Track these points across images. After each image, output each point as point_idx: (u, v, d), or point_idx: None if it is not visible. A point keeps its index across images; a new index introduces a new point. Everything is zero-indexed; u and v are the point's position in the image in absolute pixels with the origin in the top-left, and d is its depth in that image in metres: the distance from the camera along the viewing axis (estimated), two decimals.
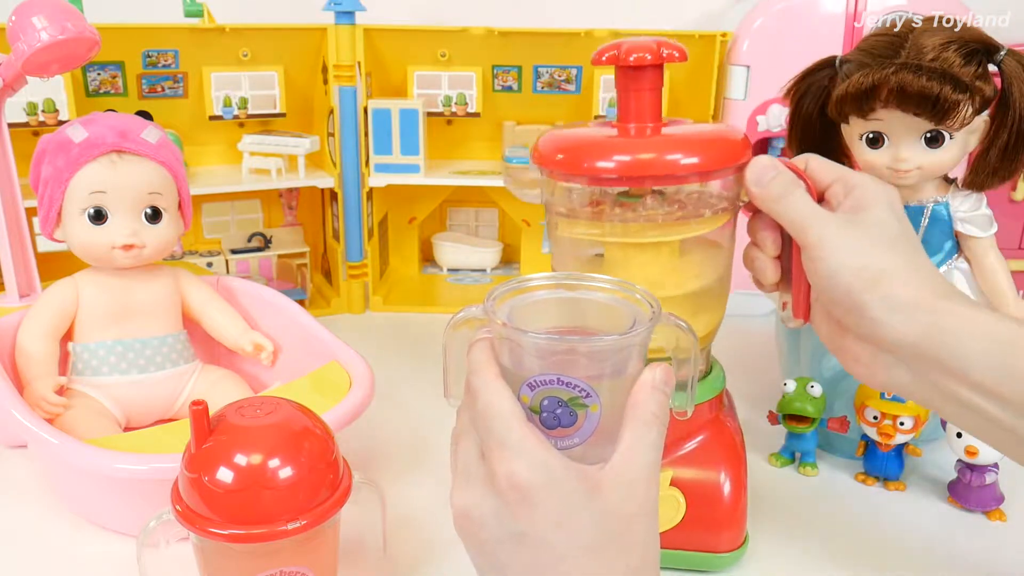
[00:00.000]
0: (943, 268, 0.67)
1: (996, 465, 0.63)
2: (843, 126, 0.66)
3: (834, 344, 0.48)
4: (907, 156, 0.63)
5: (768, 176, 0.47)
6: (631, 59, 0.49)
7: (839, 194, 0.46)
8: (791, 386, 0.67)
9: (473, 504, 0.38)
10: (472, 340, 0.40)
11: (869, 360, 0.45)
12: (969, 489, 0.64)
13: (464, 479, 0.38)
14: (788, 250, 0.49)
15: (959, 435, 0.62)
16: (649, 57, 0.49)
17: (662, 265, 0.52)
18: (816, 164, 0.48)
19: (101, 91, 0.98)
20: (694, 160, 0.48)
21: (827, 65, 0.65)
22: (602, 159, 0.48)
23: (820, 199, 0.48)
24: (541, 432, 0.37)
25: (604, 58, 0.50)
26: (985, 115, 0.62)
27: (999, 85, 0.60)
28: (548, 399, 0.38)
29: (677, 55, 0.49)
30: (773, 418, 0.69)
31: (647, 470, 0.38)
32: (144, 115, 0.79)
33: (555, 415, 0.38)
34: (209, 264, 1.03)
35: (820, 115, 0.66)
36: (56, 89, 0.90)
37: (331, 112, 1.00)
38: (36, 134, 0.89)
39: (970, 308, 0.43)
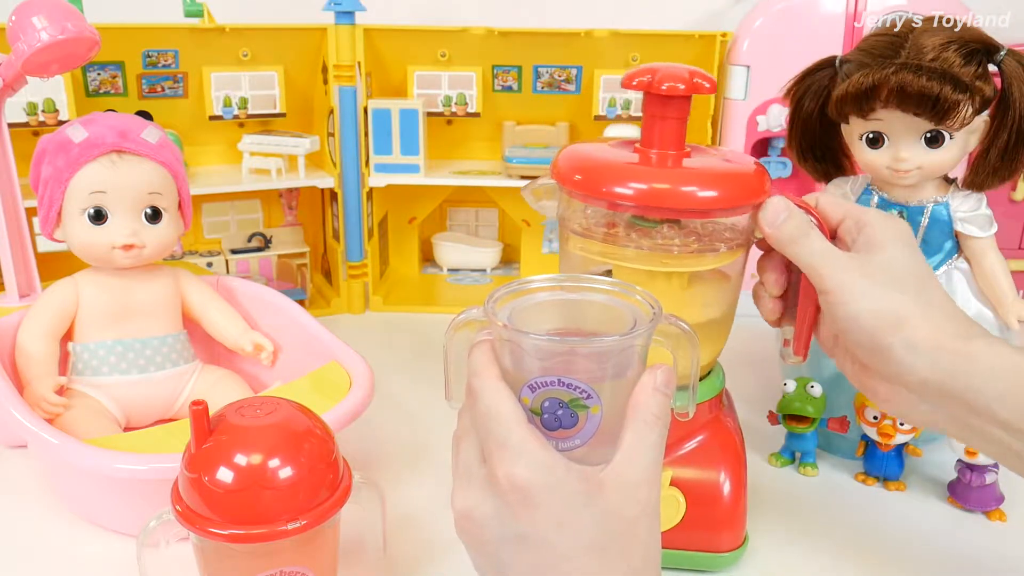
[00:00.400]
0: (943, 268, 0.67)
1: (996, 465, 0.63)
2: (843, 126, 0.66)
3: (860, 383, 0.48)
4: (907, 156, 0.63)
5: (781, 218, 0.47)
6: (663, 87, 0.49)
7: (852, 231, 0.47)
8: (791, 386, 0.67)
9: (474, 505, 0.38)
10: (473, 342, 0.40)
11: (895, 398, 0.46)
12: (969, 489, 0.64)
13: (465, 480, 0.38)
14: (795, 288, 0.49)
15: None
16: (682, 87, 0.49)
17: (671, 296, 0.51)
18: (825, 201, 0.48)
19: (101, 91, 0.97)
20: (710, 194, 0.48)
21: (827, 65, 0.65)
22: (619, 184, 0.48)
23: (833, 235, 0.48)
24: (542, 434, 0.37)
25: (635, 83, 0.50)
26: (985, 115, 0.62)
27: (999, 85, 0.60)
28: (549, 401, 0.38)
29: (707, 86, 0.49)
30: (773, 418, 0.69)
31: (649, 471, 0.38)
32: (144, 115, 0.79)
33: (556, 417, 0.38)
34: (209, 264, 1.02)
35: (820, 115, 0.66)
36: (56, 89, 0.90)
37: (331, 112, 0.99)
38: (36, 134, 0.89)
39: (991, 345, 0.43)
